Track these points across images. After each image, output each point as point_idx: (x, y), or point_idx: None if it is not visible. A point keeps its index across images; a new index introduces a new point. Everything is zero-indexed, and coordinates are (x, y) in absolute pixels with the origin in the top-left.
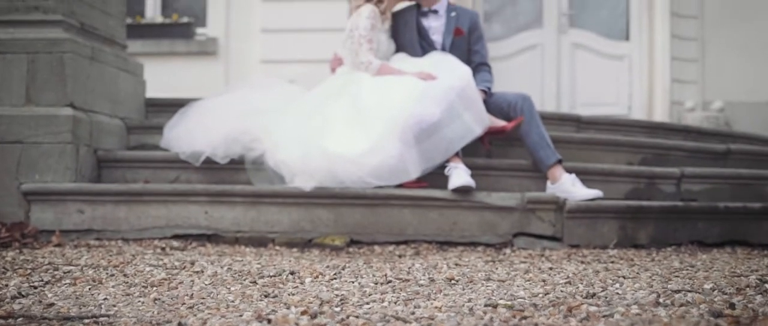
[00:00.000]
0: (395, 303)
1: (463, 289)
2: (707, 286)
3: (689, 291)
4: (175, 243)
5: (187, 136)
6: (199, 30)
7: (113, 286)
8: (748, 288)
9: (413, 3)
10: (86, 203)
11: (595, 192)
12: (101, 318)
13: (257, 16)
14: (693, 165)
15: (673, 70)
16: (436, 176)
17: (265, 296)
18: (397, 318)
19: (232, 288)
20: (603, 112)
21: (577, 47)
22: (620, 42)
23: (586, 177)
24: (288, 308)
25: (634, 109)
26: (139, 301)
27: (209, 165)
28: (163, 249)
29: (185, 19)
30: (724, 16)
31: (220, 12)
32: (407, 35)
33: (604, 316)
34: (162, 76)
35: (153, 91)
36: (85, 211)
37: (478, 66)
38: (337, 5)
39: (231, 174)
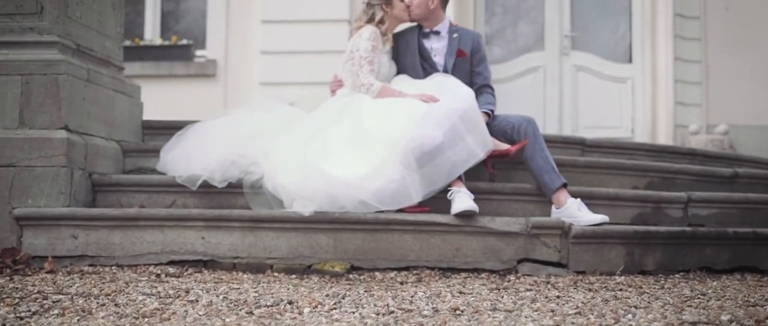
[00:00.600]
0: None
1: (469, 320)
2: (724, 318)
3: (706, 323)
4: (171, 270)
5: (185, 159)
6: (199, 52)
7: (103, 317)
8: (767, 320)
9: (415, 24)
10: (80, 228)
11: (601, 217)
12: None
13: (257, 38)
14: (700, 189)
15: (676, 93)
16: (438, 200)
17: None
18: None
19: (227, 320)
20: (606, 134)
21: (579, 69)
22: (623, 64)
23: (592, 201)
24: None
25: (638, 131)
26: None
27: (206, 189)
28: (158, 275)
29: (184, 41)
30: (728, 39)
31: (219, 34)
32: (409, 57)
33: None
34: (161, 98)
35: (151, 114)
36: (79, 237)
37: (481, 88)
38: (337, 27)
39: (229, 199)
